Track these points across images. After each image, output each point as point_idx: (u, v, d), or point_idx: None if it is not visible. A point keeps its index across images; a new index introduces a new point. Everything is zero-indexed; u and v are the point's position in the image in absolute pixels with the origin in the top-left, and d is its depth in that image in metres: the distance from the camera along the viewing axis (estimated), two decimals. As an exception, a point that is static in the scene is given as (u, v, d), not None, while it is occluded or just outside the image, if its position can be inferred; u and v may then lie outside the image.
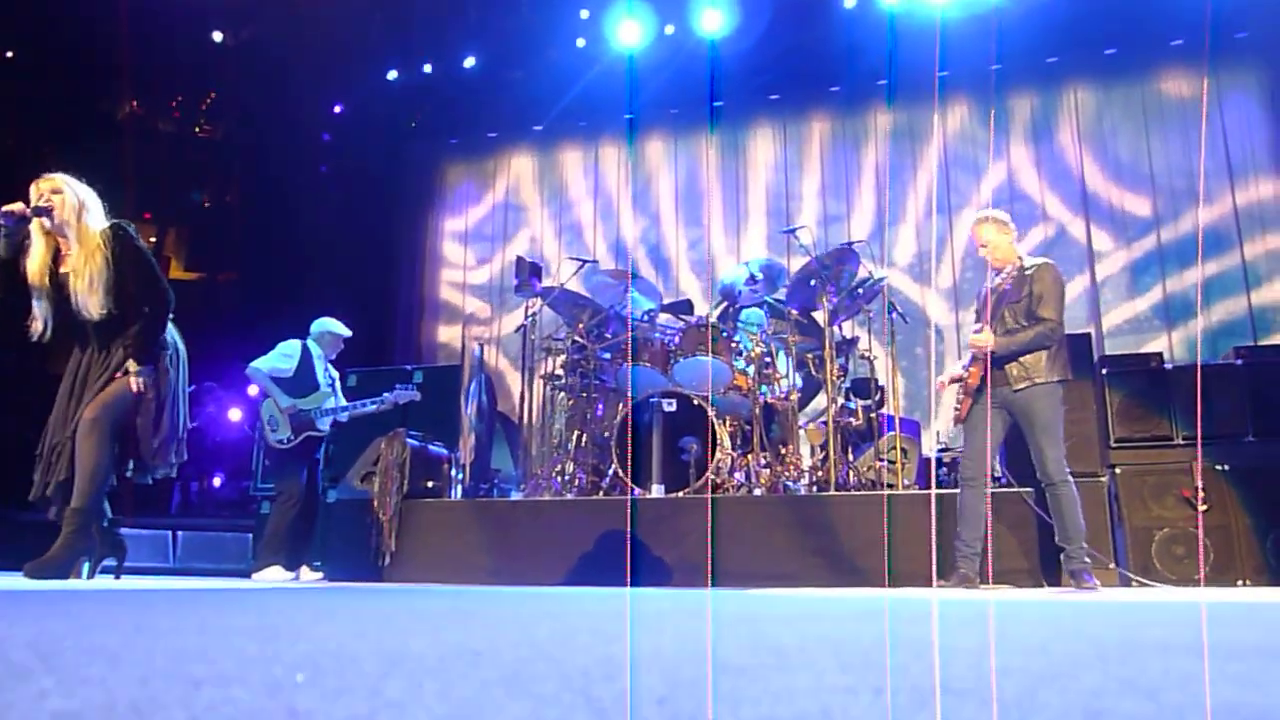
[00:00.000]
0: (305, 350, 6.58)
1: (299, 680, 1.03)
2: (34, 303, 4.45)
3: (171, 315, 4.68)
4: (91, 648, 1.35)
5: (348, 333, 6.82)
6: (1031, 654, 1.40)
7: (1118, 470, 6.02)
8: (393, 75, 10.92)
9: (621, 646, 1.49)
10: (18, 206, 4.35)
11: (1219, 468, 5.81)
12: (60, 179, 4.47)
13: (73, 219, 4.42)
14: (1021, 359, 4.77)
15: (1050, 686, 1.01)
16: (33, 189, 4.45)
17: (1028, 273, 4.86)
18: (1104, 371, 6.25)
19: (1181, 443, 6.00)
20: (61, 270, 4.42)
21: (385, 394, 6.63)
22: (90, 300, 4.37)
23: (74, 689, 0.94)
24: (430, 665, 1.18)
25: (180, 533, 8.43)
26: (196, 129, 11.66)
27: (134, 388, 4.42)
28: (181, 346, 4.81)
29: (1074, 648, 1.53)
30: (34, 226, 4.44)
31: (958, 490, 5.02)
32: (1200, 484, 5.67)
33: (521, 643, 1.54)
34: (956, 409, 5.08)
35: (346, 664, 1.19)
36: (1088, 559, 4.69)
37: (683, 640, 1.62)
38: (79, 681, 0.99)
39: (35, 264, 4.42)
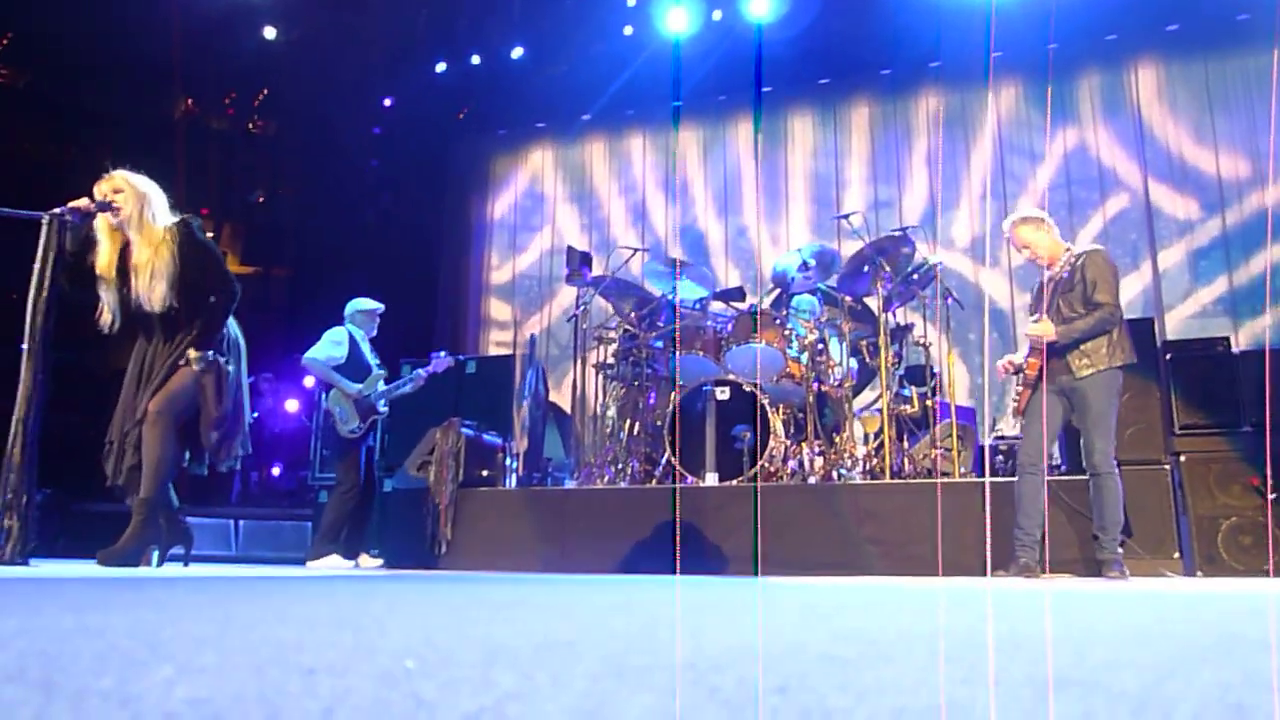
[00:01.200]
0: (350, 335, 6.58)
1: (410, 667, 1.04)
2: (102, 295, 4.54)
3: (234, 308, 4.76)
4: (191, 637, 1.38)
5: (377, 305, 6.73)
6: (1132, 646, 1.38)
7: (1182, 458, 5.89)
8: (441, 68, 10.97)
9: (708, 637, 1.49)
10: (83, 202, 4.44)
11: (1288, 455, 5.65)
12: (122, 177, 4.55)
13: (135, 215, 4.50)
14: (1082, 346, 4.72)
15: (1172, 680, 0.99)
16: (96, 189, 4.53)
17: (1078, 262, 4.80)
18: (1168, 357, 6.11)
19: (1249, 429, 5.86)
20: (131, 262, 4.51)
21: (418, 370, 6.59)
22: (153, 293, 4.45)
23: (195, 678, 0.95)
24: (528, 656, 1.19)
25: (241, 522, 8.59)
26: (250, 126, 11.83)
27: (194, 368, 4.52)
28: (241, 340, 4.89)
29: (1172, 640, 1.50)
30: (100, 224, 4.53)
31: (1014, 479, 4.97)
32: (1270, 472, 5.53)
33: (607, 634, 1.54)
34: (1015, 400, 5.02)
35: (446, 654, 1.20)
36: (1120, 549, 4.71)
37: (770, 630, 1.61)
38: (196, 671, 1.01)
39: (104, 259, 4.51)
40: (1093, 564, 4.88)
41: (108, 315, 4.54)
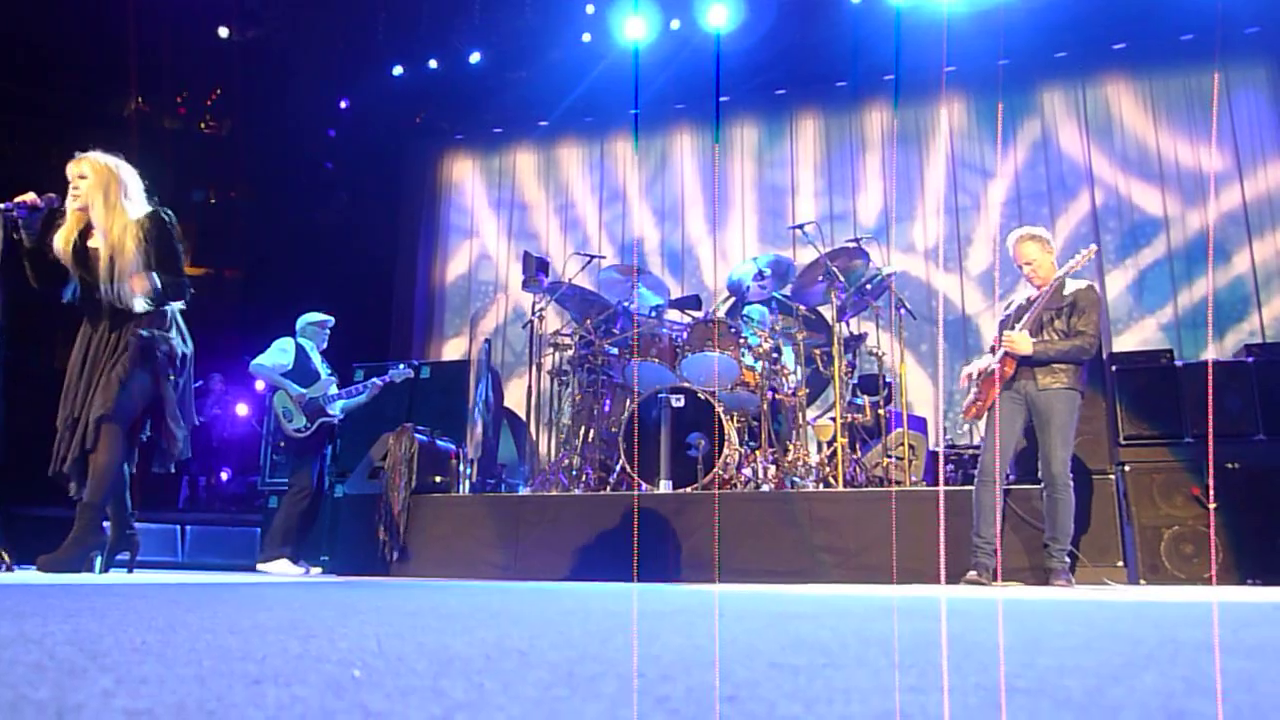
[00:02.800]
0: (299, 345, 6.66)
1: (356, 676, 1.03)
2: (72, 272, 4.46)
3: (182, 308, 4.68)
4: (134, 645, 1.35)
5: (327, 317, 6.91)
6: (1079, 653, 1.40)
7: (1126, 468, 6.00)
8: (398, 71, 10.90)
9: (661, 645, 1.49)
10: (30, 197, 4.34)
11: (1229, 466, 5.79)
12: (90, 162, 4.47)
13: (99, 199, 4.41)
14: (1054, 365, 4.81)
15: (1116, 686, 1.01)
16: (67, 170, 4.46)
17: (1067, 292, 4.89)
18: (1114, 369, 6.23)
19: (1191, 440, 5.99)
20: (90, 244, 4.42)
21: (374, 378, 6.75)
22: (122, 289, 4.37)
23: (136, 689, 0.93)
24: (479, 665, 1.17)
25: (189, 527, 8.44)
26: (202, 125, 11.65)
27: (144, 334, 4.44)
28: (188, 344, 4.78)
29: (1118, 647, 1.52)
30: (68, 202, 4.44)
31: (970, 487, 5.04)
32: (1211, 482, 5.66)
33: (560, 642, 1.53)
34: (976, 403, 5.07)
35: (395, 663, 1.18)
36: (1068, 558, 4.82)
37: (722, 638, 1.61)
38: (138, 681, 0.98)
39: (60, 240, 4.42)
40: (1041, 572, 4.96)
41: (68, 291, 4.46)
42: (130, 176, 4.56)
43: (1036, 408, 4.85)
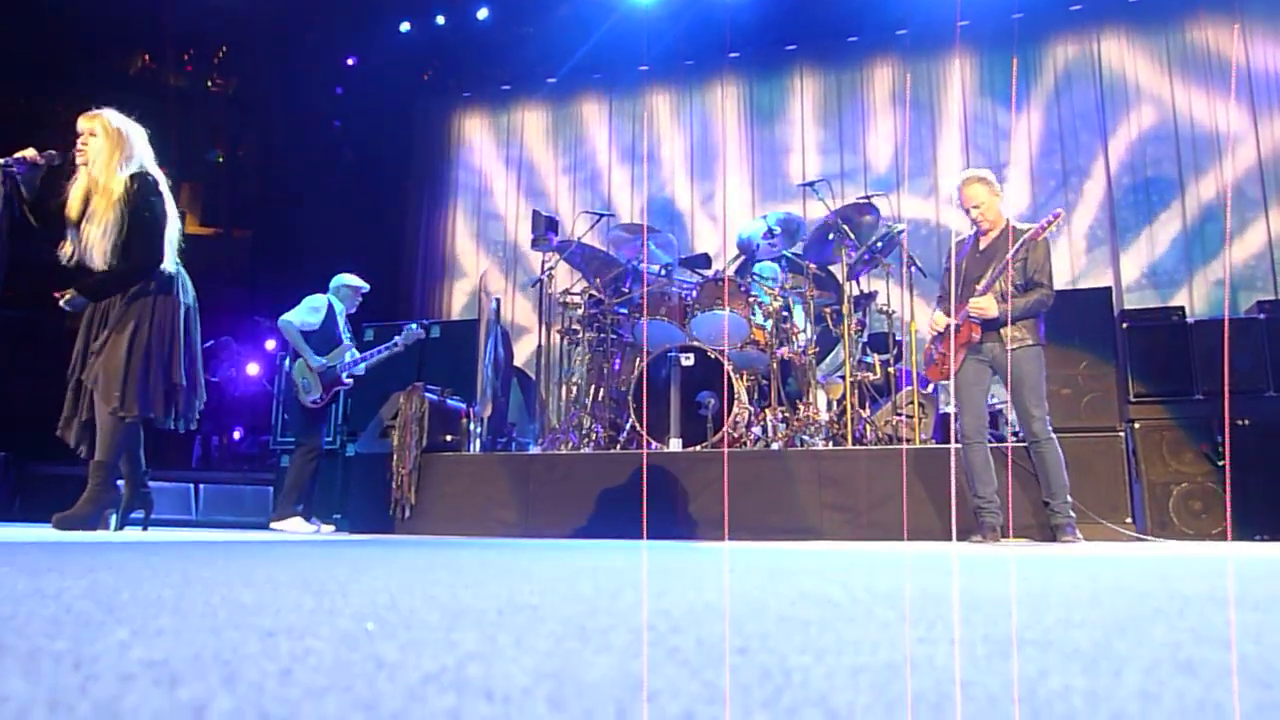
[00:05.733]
0: (330, 305, 6.64)
1: (370, 629, 1.04)
2: (68, 231, 4.44)
3: (178, 265, 4.62)
4: (149, 599, 1.36)
5: (364, 284, 6.89)
6: (1086, 606, 1.40)
7: (1136, 425, 6.01)
8: (405, 27, 10.81)
9: (671, 600, 1.50)
10: (29, 153, 4.32)
11: (1239, 423, 5.78)
12: (100, 119, 4.45)
13: (101, 160, 4.40)
14: (1019, 322, 4.77)
15: (1123, 638, 1.01)
16: (80, 121, 4.44)
17: (1019, 238, 4.80)
18: (1124, 326, 6.21)
19: (1201, 398, 5.97)
20: (86, 212, 4.41)
21: (395, 338, 6.70)
22: (95, 249, 4.36)
23: (152, 640, 0.94)
24: (491, 619, 1.19)
25: (202, 486, 8.51)
26: (209, 84, 11.58)
27: (61, 304, 4.41)
28: (190, 294, 4.74)
29: (1126, 600, 1.53)
30: (76, 157, 4.43)
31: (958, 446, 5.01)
32: (1223, 438, 5.65)
33: (571, 597, 1.54)
34: (939, 364, 5.03)
35: (409, 617, 1.19)
36: (1072, 513, 4.77)
37: (732, 593, 1.62)
38: (154, 633, 1.00)
39: (73, 198, 4.42)
40: (1047, 529, 4.96)
41: (68, 248, 4.44)
42: (139, 140, 4.53)
43: (1005, 367, 4.82)
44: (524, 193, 11.39)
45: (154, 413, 4.49)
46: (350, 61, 11.36)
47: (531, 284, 7.77)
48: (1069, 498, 4.78)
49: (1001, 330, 4.78)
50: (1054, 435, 4.80)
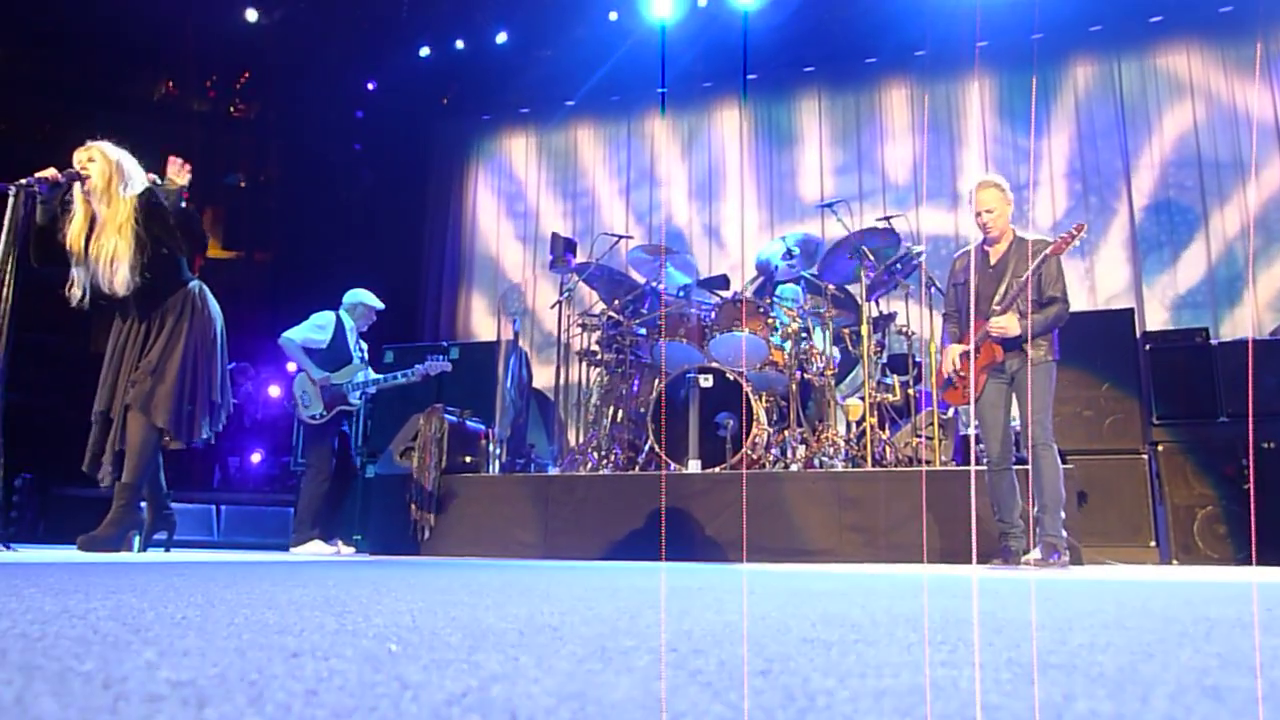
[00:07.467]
0: (339, 322, 6.56)
1: (393, 650, 1.05)
2: (72, 269, 4.49)
3: (201, 259, 4.69)
4: (175, 620, 1.37)
5: (380, 304, 6.78)
6: (1111, 630, 1.39)
7: (1159, 448, 5.96)
8: (425, 52, 10.90)
9: (692, 621, 1.49)
10: (50, 173, 4.38)
11: (1264, 445, 5.71)
12: (99, 148, 4.51)
13: (102, 187, 4.45)
14: (1037, 338, 4.70)
15: (1149, 663, 1.00)
16: (75, 157, 4.50)
17: (1031, 251, 4.71)
18: (1147, 348, 6.17)
19: (1226, 420, 5.92)
20: (94, 243, 4.45)
21: (417, 365, 6.59)
22: (115, 278, 4.41)
23: (179, 661, 0.95)
24: (513, 640, 1.19)
25: (223, 507, 8.56)
26: (231, 109, 11.73)
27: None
28: (219, 319, 4.82)
29: (1151, 624, 1.52)
30: (77, 193, 4.48)
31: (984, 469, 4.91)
32: (1248, 461, 5.59)
33: (591, 618, 1.55)
34: (955, 386, 4.92)
35: (431, 638, 1.20)
36: (1064, 533, 4.56)
37: (753, 615, 1.62)
38: (180, 654, 1.00)
39: (74, 230, 4.46)
40: (1076, 552, 4.85)
41: (77, 290, 4.48)
42: (132, 165, 4.59)
43: (1021, 378, 4.71)
44: (542, 214, 11.45)
45: (195, 440, 4.60)
46: (370, 86, 11.48)
47: (551, 306, 7.80)
48: (1062, 514, 4.57)
49: (1024, 345, 4.71)
50: (1054, 444, 4.66)
